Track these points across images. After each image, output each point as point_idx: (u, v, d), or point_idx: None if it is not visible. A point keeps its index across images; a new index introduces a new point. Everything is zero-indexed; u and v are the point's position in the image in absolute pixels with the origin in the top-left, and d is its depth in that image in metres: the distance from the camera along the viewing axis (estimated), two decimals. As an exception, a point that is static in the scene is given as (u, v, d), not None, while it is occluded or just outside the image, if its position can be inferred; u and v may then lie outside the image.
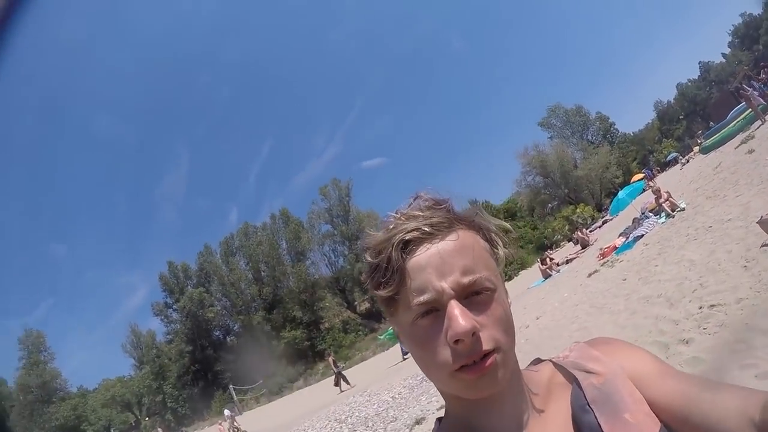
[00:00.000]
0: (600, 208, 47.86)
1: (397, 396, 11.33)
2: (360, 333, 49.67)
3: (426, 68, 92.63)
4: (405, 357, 20.68)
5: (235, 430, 19.28)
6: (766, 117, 18.65)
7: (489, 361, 0.66)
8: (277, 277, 54.69)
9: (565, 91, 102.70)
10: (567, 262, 21.70)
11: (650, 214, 14.98)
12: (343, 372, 21.87)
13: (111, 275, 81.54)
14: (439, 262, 0.67)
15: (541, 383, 0.80)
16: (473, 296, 0.68)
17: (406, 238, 0.69)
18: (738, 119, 23.73)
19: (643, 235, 13.42)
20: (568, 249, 31.02)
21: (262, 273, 55.60)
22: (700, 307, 5.48)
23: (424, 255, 0.68)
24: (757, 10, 62.02)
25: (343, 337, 48.76)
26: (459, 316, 0.65)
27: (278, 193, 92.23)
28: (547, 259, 21.81)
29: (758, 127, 18.03)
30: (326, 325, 53.49)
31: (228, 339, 56.72)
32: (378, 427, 9.00)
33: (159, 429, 46.98)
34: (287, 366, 47.70)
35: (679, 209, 13.27)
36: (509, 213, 47.34)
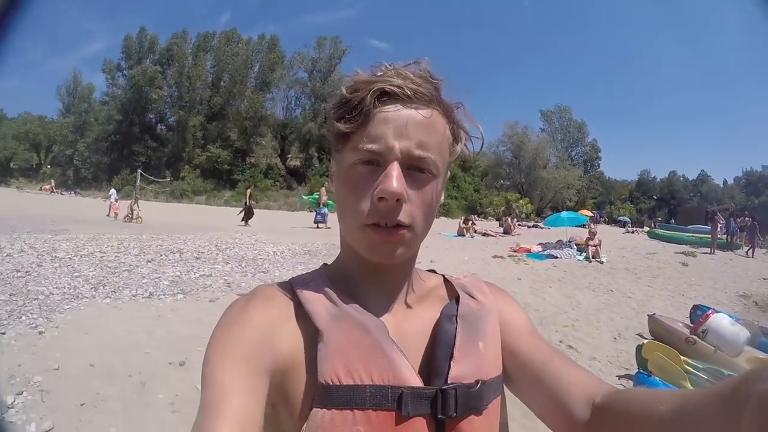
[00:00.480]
0: (539, 213, 49.11)
1: (278, 253, 11.69)
2: (277, 184, 49.45)
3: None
4: (318, 226, 21.17)
5: (132, 211, 19.28)
6: (715, 251, 19.84)
7: (399, 232, 0.70)
8: (234, 93, 53.21)
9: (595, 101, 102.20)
10: (484, 234, 22.54)
11: (574, 246, 15.65)
12: (253, 209, 21.83)
13: (79, 13, 76.39)
14: (401, 124, 0.69)
15: (423, 287, 0.84)
16: (415, 171, 0.70)
17: (386, 89, 0.69)
18: (695, 234, 25.13)
19: (557, 257, 14.05)
20: (491, 225, 32.07)
21: (222, 82, 53.91)
22: (560, 341, 6.02)
23: (392, 112, 0.69)
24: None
25: (262, 179, 48.29)
26: (394, 178, 0.67)
27: (278, 19, 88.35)
28: (470, 222, 22.58)
29: (705, 253, 19.17)
30: (252, 160, 53.18)
31: (159, 127, 55.39)
32: (248, 269, 9.24)
33: (51, 181, 46.22)
34: (197, 178, 47.39)
35: (598, 260, 13.92)
36: (466, 162, 47.82)
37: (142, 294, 6.73)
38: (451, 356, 0.71)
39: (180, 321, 5.64)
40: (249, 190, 22.78)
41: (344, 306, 0.72)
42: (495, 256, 13.51)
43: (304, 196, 29.89)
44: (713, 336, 6.16)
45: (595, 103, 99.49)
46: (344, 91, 0.72)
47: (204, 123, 51.82)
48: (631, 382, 4.87)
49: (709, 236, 21.80)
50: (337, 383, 0.65)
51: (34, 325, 5.06)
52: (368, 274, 0.77)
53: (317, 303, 0.72)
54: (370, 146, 0.69)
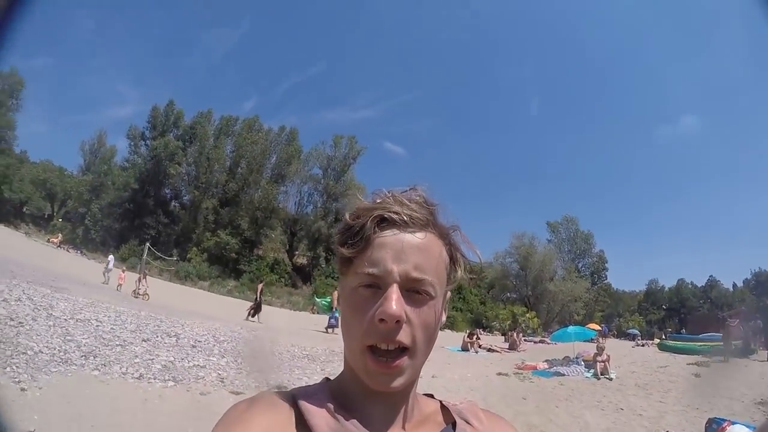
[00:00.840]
0: (546, 327, 48.31)
1: (276, 354, 11.45)
2: (282, 280, 48.68)
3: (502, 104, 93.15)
4: (328, 330, 20.74)
5: (140, 286, 19.20)
6: (729, 359, 19.28)
7: (398, 362, 0.72)
8: (249, 182, 53.76)
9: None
10: (489, 350, 21.95)
11: (582, 362, 15.25)
12: (261, 305, 21.61)
13: (115, 73, 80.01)
14: (399, 249, 0.72)
15: (422, 412, 0.85)
16: (414, 293, 0.73)
17: (384, 215, 0.74)
18: (707, 343, 24.53)
19: (564, 375, 13.66)
20: (496, 340, 31.32)
21: (239, 169, 54.62)
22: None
23: (390, 237, 0.73)
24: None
25: (267, 273, 47.38)
26: (395, 300, 0.70)
27: (299, 112, 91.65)
28: (475, 336, 22.12)
29: (717, 361, 18.75)
30: (260, 252, 52.99)
31: (173, 203, 55.88)
32: (244, 367, 9.04)
33: (60, 235, 46.54)
34: (204, 262, 47.30)
35: (607, 376, 13.54)
36: (473, 273, 47.87)
37: (132, 373, 6.53)
38: None
39: (167, 410, 5.45)
40: (261, 285, 23.10)
41: (345, 423, 0.72)
42: (499, 374, 13.16)
43: (317, 298, 29.66)
44: None
45: (601, 213, 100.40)
46: (347, 218, 0.77)
47: (217, 207, 52.36)
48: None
49: (722, 344, 21.27)
50: None
51: (17, 380, 4.92)
52: (368, 395, 0.77)
53: (319, 417, 0.72)
54: (370, 270, 0.72)
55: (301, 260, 56.30)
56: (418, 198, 0.78)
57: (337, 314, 21.39)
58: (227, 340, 11.69)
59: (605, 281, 70.34)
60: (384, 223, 0.74)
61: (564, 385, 12.11)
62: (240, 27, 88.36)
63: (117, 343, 8.10)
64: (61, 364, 5.93)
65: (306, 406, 0.74)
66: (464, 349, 20.68)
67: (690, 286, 74.80)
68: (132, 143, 55.12)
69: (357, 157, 57.25)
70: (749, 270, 76.76)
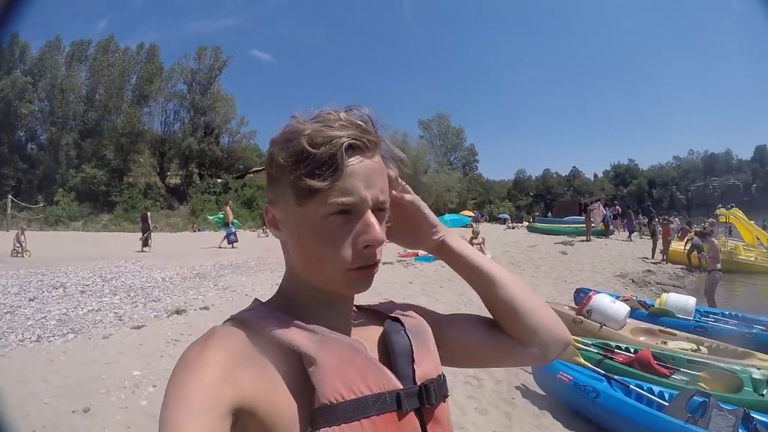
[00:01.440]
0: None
1: (167, 279, 11.39)
2: (158, 204, 46.26)
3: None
4: (226, 246, 20.45)
5: (19, 245, 17.60)
6: (591, 239, 21.90)
7: (375, 269, 0.80)
8: (110, 107, 49.66)
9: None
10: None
11: None
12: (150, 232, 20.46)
13: None
14: (366, 175, 0.76)
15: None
16: (378, 212, 0.79)
17: (351, 143, 0.75)
18: (572, 225, 27.24)
19: (446, 259, 14.58)
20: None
21: (97, 95, 50.25)
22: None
23: (358, 165, 0.75)
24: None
25: (141, 200, 44.96)
26: (376, 226, 0.77)
27: (158, 27, 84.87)
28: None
29: (581, 241, 21.06)
30: (130, 179, 50.01)
31: (29, 146, 50.72)
32: (139, 299, 8.98)
33: None
34: (73, 201, 44.33)
35: None
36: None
37: (30, 338, 6.41)
38: (412, 361, 0.82)
39: (75, 363, 5.46)
40: (149, 213, 21.37)
41: (322, 331, 0.77)
42: (384, 263, 13.50)
43: (209, 217, 28.78)
44: (597, 314, 6.96)
45: (471, 108, 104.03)
46: (305, 145, 0.74)
47: (78, 140, 48.18)
48: (528, 369, 5.38)
49: (584, 226, 23.59)
50: (341, 400, 0.71)
51: None
52: (330, 304, 0.83)
53: (293, 334, 0.76)
54: (343, 199, 0.74)
55: (174, 180, 53.47)
56: (363, 119, 0.80)
57: (233, 229, 21.16)
58: (114, 277, 11.51)
59: (476, 172, 74.64)
60: (350, 149, 0.75)
61: (445, 268, 12.26)
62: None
63: (5, 310, 7.78)
64: None
65: (270, 329, 0.76)
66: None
67: (555, 175, 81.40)
68: (-26, 88, 49.09)
69: (223, 68, 54.42)
70: (608, 162, 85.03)
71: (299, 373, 0.73)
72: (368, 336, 0.87)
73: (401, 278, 11.66)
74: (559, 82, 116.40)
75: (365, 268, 0.78)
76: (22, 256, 16.86)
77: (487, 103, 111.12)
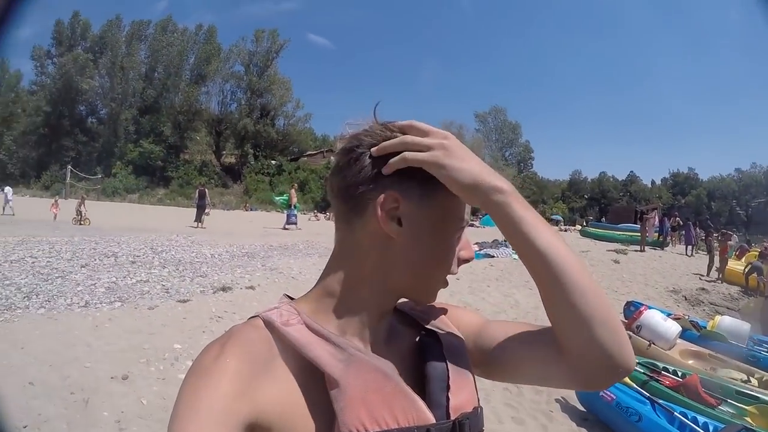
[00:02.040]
0: (474, 213, 50.04)
1: (216, 256, 11.49)
2: (212, 181, 47.62)
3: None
4: (286, 227, 20.78)
5: (79, 214, 18.27)
6: (645, 249, 20.81)
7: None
8: (168, 86, 51.67)
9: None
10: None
11: (510, 245, 15.79)
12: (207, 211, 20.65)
13: None
14: None
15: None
16: None
17: None
18: (626, 232, 25.93)
19: (494, 257, 14.38)
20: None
21: (156, 74, 52.26)
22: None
23: None
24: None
25: (196, 177, 46.31)
26: (470, 244, 0.81)
27: (217, 9, 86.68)
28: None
29: (635, 251, 20.13)
30: (186, 156, 51.82)
31: (90, 120, 52.83)
32: (186, 274, 9.07)
33: None
34: (130, 174, 45.75)
35: None
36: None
37: (78, 303, 6.51)
38: (447, 389, 0.73)
39: (119, 331, 5.50)
40: (206, 190, 21.50)
41: (350, 349, 0.69)
42: None
43: (275, 197, 29.21)
44: (647, 331, 6.59)
45: (529, 104, 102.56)
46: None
47: (137, 117, 50.03)
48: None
49: (639, 234, 22.73)
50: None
51: (-36, 343, 4.79)
52: (379, 317, 0.77)
53: (318, 347, 0.68)
54: (467, 217, 0.78)
55: (229, 159, 55.41)
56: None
57: (295, 212, 21.56)
58: (165, 250, 11.71)
59: (531, 170, 73.18)
60: None
61: (494, 266, 12.72)
62: None
63: (56, 275, 7.94)
64: (4, 311, 5.85)
65: (295, 339, 0.69)
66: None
67: (611, 179, 78.81)
68: (38, 64, 51.10)
69: (280, 51, 55.79)
70: (667, 170, 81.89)
71: (321, 392, 0.66)
72: (399, 349, 0.80)
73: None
74: (620, 82, 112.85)
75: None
76: (82, 224, 17.45)
77: (544, 98, 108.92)
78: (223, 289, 7.91)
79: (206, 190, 21.48)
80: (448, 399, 0.73)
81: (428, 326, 0.84)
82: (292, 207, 21.47)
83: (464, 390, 0.76)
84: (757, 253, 16.59)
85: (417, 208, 0.72)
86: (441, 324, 0.86)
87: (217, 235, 16.24)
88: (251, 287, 8.26)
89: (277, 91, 55.14)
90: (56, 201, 21.56)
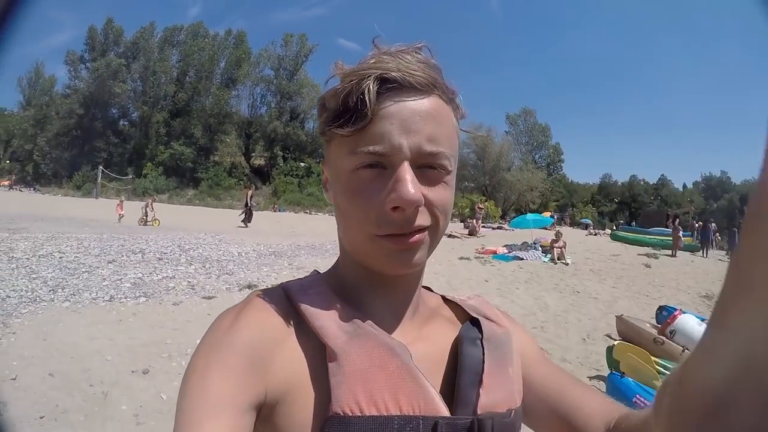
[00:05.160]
0: (503, 215, 49.63)
1: (243, 254, 11.54)
2: (241, 183, 48.11)
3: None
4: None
5: (147, 214, 18.70)
6: (677, 253, 20.42)
7: (417, 237, 0.62)
8: (199, 89, 52.46)
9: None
10: (449, 235, 22.27)
11: (540, 248, 15.75)
12: (252, 211, 21.38)
13: (43, 3, 74.08)
14: (407, 117, 0.60)
15: (427, 305, 0.76)
16: (427, 169, 0.62)
17: (386, 76, 0.60)
18: (657, 237, 25.70)
19: (523, 259, 14.17)
20: (456, 227, 31.92)
21: (187, 78, 53.24)
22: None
23: (392, 106, 0.60)
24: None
25: (225, 178, 47.83)
26: (409, 182, 0.59)
27: (247, 15, 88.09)
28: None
29: (666, 255, 19.78)
30: (216, 158, 52.52)
31: (121, 122, 54.07)
32: (213, 271, 9.09)
33: (11, 176, 44.74)
34: (160, 176, 46.53)
35: (564, 261, 14.10)
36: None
37: (103, 297, 6.52)
38: (479, 383, 0.63)
39: (142, 326, 5.46)
40: (250, 192, 22.26)
41: (360, 322, 0.63)
42: (461, 258, 13.50)
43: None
44: (681, 336, 6.26)
45: (559, 105, 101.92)
46: (333, 90, 0.63)
47: (168, 119, 50.96)
48: (602, 383, 4.89)
49: (671, 239, 22.29)
50: (358, 414, 0.56)
51: (-11, 331, 4.78)
52: (375, 286, 0.68)
53: (326, 318, 0.63)
54: (372, 147, 0.60)
55: (259, 161, 56.34)
56: (418, 56, 0.64)
57: None
58: (192, 248, 11.80)
59: (561, 172, 72.44)
60: (383, 88, 0.60)
61: (523, 268, 12.57)
62: None
63: (83, 270, 8.02)
64: (30, 303, 5.88)
65: (306, 306, 0.64)
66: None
67: (642, 182, 77.72)
68: (72, 69, 52.59)
69: (309, 55, 56.43)
70: (699, 173, 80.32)
71: (324, 368, 0.60)
72: (435, 339, 0.70)
73: (477, 275, 11.15)
74: (650, 84, 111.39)
75: (398, 237, 0.61)
76: (152, 225, 17.87)
77: (574, 100, 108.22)
78: (249, 286, 7.87)
79: (249, 192, 22.41)
80: (478, 396, 0.62)
81: (474, 314, 0.74)
82: None
83: (500, 386, 0.65)
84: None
85: (329, 171, 0.69)
86: (492, 317, 0.75)
87: (245, 234, 16.46)
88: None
89: (307, 95, 55.50)
90: (121, 201, 21.71)
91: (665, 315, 7.18)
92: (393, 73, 0.59)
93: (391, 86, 0.60)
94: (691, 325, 6.40)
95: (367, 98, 0.58)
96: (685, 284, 12.94)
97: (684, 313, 6.82)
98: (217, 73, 54.37)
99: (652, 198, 74.52)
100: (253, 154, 56.32)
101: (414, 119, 0.60)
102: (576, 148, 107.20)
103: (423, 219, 0.61)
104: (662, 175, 78.98)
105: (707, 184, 79.93)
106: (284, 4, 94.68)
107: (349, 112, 0.59)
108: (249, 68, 54.79)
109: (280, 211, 37.49)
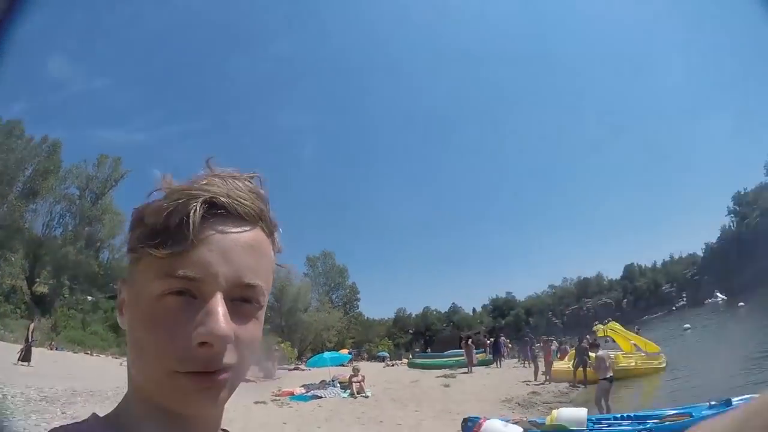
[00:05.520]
0: (299, 356, 48.70)
1: (9, 398, 10.54)
2: (19, 311, 40.10)
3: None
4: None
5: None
6: (472, 369, 22.47)
7: (223, 375, 0.55)
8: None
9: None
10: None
11: (338, 384, 16.04)
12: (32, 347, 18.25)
13: None
14: (229, 247, 0.57)
15: None
16: (241, 303, 0.58)
17: (214, 200, 0.57)
18: (453, 357, 27.72)
19: (321, 397, 14.36)
20: (250, 370, 31.03)
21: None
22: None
23: (217, 233, 0.56)
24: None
25: (2, 303, 39.12)
26: (221, 315, 0.53)
27: (71, 123, 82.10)
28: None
29: (463, 372, 21.58)
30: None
31: None
32: None
33: None
34: None
35: (364, 394, 14.49)
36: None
37: None
38: None
39: None
40: (33, 325, 19.65)
41: None
42: (257, 402, 13.07)
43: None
44: None
45: (355, 246, 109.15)
46: (154, 207, 0.58)
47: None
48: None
49: (464, 357, 24.24)
50: None
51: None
52: (169, 429, 0.59)
53: None
54: (188, 273, 0.54)
55: (42, 289, 47.47)
56: (250, 186, 0.62)
57: None
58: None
59: (357, 310, 75.26)
60: (209, 213, 0.56)
61: (322, 406, 12.79)
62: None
63: None
64: None
65: None
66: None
67: (434, 312, 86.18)
68: None
69: (119, 181, 51.54)
70: (487, 297, 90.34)
71: None
72: None
73: (275, 419, 11.15)
74: (440, 224, 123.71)
75: (201, 375, 0.54)
76: None
77: (370, 241, 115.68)
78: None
79: (31, 324, 20.05)
80: None
81: None
82: None
83: None
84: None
85: (130, 292, 0.61)
86: None
87: (34, 377, 14.01)
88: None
89: (108, 222, 50.29)
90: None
91: (470, 425, 7.78)
92: (222, 199, 0.57)
93: (217, 212, 0.57)
94: (497, 427, 7.11)
95: (191, 221, 0.54)
96: (485, 395, 14.18)
97: (488, 419, 7.49)
98: (20, 180, 48.74)
99: (444, 325, 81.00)
100: (38, 280, 48.13)
101: (236, 249, 0.57)
102: (372, 286, 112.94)
103: (230, 357, 0.56)
104: (453, 303, 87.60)
105: (495, 305, 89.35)
106: (111, 122, 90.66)
107: (169, 232, 0.55)
108: (55, 183, 49.10)
109: (57, 349, 32.91)
